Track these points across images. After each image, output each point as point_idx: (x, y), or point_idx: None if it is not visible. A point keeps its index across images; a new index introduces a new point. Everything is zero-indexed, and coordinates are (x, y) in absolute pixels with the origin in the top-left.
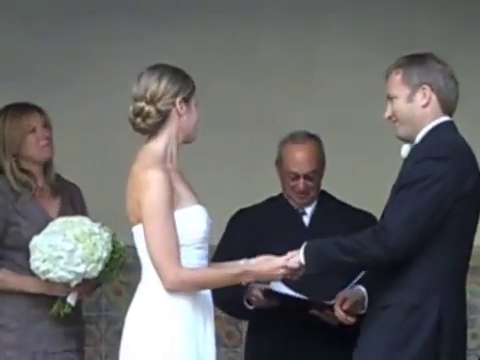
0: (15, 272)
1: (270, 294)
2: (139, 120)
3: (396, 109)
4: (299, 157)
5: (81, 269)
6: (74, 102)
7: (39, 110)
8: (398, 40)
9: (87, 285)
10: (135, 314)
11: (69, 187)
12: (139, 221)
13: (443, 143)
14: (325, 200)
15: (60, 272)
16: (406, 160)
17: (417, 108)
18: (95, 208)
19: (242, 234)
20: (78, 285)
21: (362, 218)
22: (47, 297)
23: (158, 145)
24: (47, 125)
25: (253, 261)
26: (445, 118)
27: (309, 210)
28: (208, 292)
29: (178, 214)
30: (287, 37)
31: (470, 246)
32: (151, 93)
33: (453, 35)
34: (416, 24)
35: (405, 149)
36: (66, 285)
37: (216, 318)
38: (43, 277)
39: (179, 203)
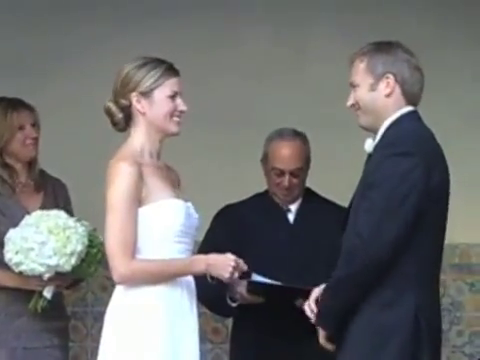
0: None
1: (253, 287)
2: (110, 119)
3: (358, 98)
4: (285, 154)
5: (53, 262)
6: (59, 98)
7: (30, 109)
8: (386, 38)
9: (63, 279)
10: (110, 309)
11: (53, 182)
12: None
13: (407, 136)
14: (310, 197)
15: (31, 264)
16: (370, 155)
17: (379, 98)
18: (78, 203)
19: (227, 230)
20: (52, 279)
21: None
22: (26, 293)
23: (134, 140)
24: (36, 124)
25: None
26: (408, 108)
27: (294, 207)
28: (190, 279)
29: (149, 208)
30: (275, 34)
31: (441, 242)
32: (113, 90)
33: (438, 30)
34: (403, 21)
35: (369, 144)
36: (40, 278)
37: (202, 314)
38: (16, 269)
39: (150, 197)
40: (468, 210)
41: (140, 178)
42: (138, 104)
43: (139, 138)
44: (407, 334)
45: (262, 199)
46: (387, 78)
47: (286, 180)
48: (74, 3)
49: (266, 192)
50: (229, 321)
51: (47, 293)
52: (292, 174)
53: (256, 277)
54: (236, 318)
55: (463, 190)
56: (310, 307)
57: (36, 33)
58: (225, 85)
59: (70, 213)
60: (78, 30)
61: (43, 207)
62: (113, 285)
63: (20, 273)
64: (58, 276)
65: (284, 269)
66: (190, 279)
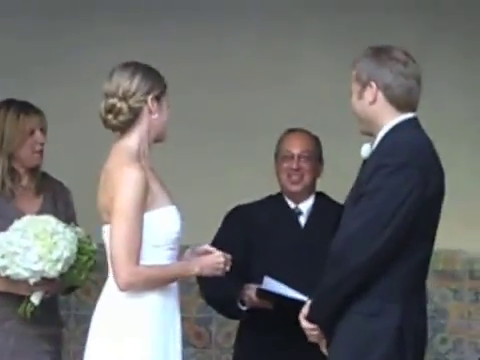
0: None
1: (262, 294)
2: (111, 117)
3: (352, 105)
4: (294, 138)
5: (38, 267)
6: (59, 100)
7: (40, 113)
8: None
9: (52, 285)
10: (101, 312)
11: (54, 185)
12: None
13: (402, 147)
14: (321, 201)
15: (16, 269)
16: (365, 162)
17: (366, 105)
18: (77, 206)
19: (237, 231)
20: (39, 284)
21: None
22: (16, 296)
23: (131, 142)
24: (44, 129)
25: (197, 250)
26: (405, 116)
27: (305, 210)
28: (175, 285)
29: (153, 214)
30: (264, 41)
31: (430, 250)
32: (123, 90)
33: (422, 36)
34: (386, 29)
35: (365, 149)
36: (27, 283)
37: (184, 319)
38: (2, 273)
39: (155, 203)
40: (452, 216)
41: (146, 184)
42: (152, 107)
43: (137, 140)
44: (391, 344)
45: (274, 201)
46: (370, 86)
47: (294, 163)
48: (74, 7)
49: (279, 194)
50: (213, 326)
51: (35, 299)
52: (301, 158)
53: (268, 282)
54: (243, 321)
55: (447, 196)
56: (303, 324)
57: (35, 37)
58: (209, 94)
59: (71, 218)
60: (77, 34)
61: (42, 211)
62: (97, 289)
63: (7, 277)
64: (46, 282)
65: (293, 272)
66: (174, 284)
